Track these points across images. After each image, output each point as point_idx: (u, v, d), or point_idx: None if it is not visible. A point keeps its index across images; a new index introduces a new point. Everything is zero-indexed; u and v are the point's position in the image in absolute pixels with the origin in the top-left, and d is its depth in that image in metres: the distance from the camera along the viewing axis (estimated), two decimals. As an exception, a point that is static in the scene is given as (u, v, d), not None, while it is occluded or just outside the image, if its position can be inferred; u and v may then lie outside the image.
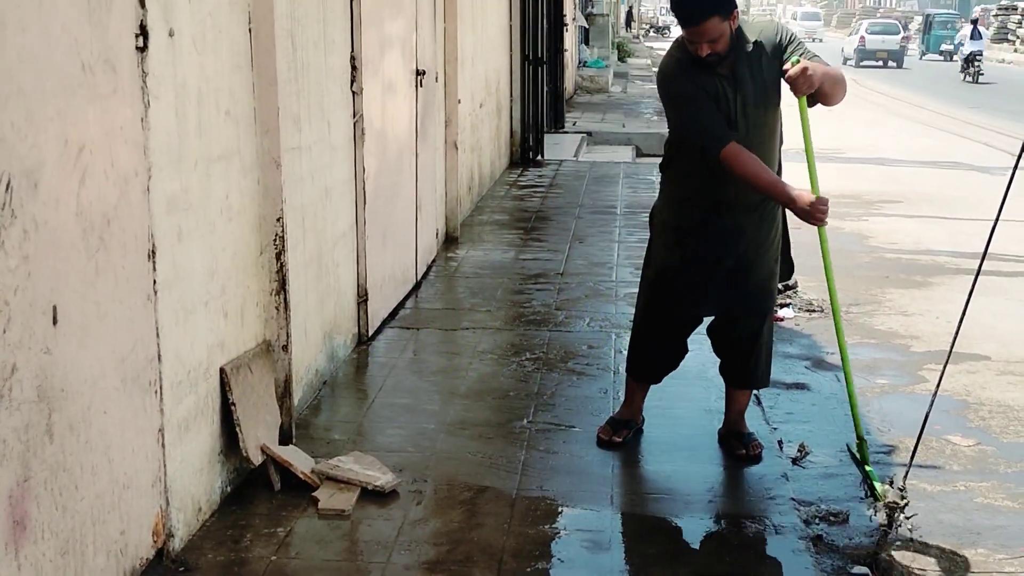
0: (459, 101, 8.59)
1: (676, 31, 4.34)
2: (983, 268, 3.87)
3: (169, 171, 3.42)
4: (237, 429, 3.93)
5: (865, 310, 7.01)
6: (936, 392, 3.89)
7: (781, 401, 5.29)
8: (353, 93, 5.51)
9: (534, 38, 13.22)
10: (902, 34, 42.39)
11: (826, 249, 4.13)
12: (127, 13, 3.11)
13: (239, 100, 3.99)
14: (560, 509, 4.02)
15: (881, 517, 3.91)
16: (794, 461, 4.58)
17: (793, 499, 4.16)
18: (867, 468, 4.14)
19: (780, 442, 4.72)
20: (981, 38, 33.04)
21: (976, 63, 31.72)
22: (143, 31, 3.21)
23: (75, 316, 2.85)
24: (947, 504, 4.28)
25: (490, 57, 10.93)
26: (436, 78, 7.74)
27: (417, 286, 7.06)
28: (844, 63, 40.18)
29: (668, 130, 4.45)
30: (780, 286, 7.00)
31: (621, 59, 33.35)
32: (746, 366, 4.48)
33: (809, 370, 5.80)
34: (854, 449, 4.26)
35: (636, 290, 4.75)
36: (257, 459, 4.03)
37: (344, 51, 5.37)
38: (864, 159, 14.94)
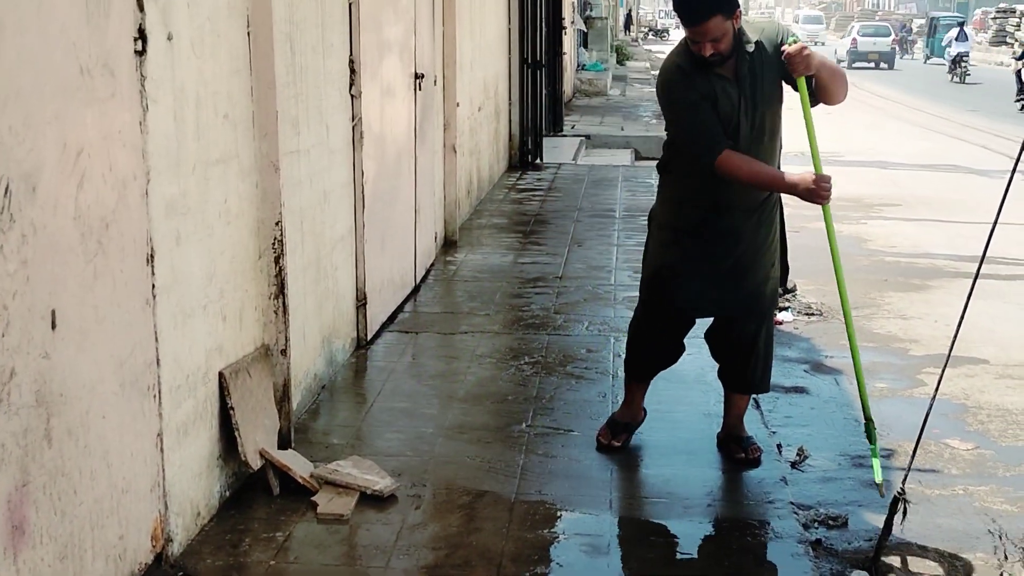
0: (458, 104, 8.59)
1: (675, 34, 4.33)
2: (982, 271, 3.87)
3: (167, 175, 3.42)
4: (236, 433, 3.93)
5: (864, 313, 7.00)
6: (935, 396, 3.88)
7: (780, 405, 5.28)
8: (352, 97, 5.51)
9: (532, 41, 13.22)
10: (893, 36, 43.33)
11: (831, 226, 4.16)
12: (125, 17, 3.11)
13: (237, 104, 3.99)
14: (559, 513, 4.02)
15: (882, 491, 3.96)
16: (793, 465, 4.58)
17: (792, 503, 4.15)
18: (872, 446, 4.15)
19: (779, 446, 4.72)
20: (967, 40, 34.25)
21: (963, 64, 32.95)
22: (141, 35, 3.21)
23: (74, 320, 2.85)
24: (946, 508, 4.27)
25: (489, 60, 10.94)
26: (435, 81, 7.74)
27: (416, 290, 7.05)
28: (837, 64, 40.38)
29: (667, 132, 4.45)
30: (780, 289, 7.03)
31: (620, 62, 33.37)
32: (744, 370, 4.48)
33: (808, 374, 5.80)
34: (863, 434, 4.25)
35: (635, 294, 4.75)
36: (256, 463, 4.03)
37: (343, 55, 5.37)
38: (863, 162, 14.94)
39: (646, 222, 4.64)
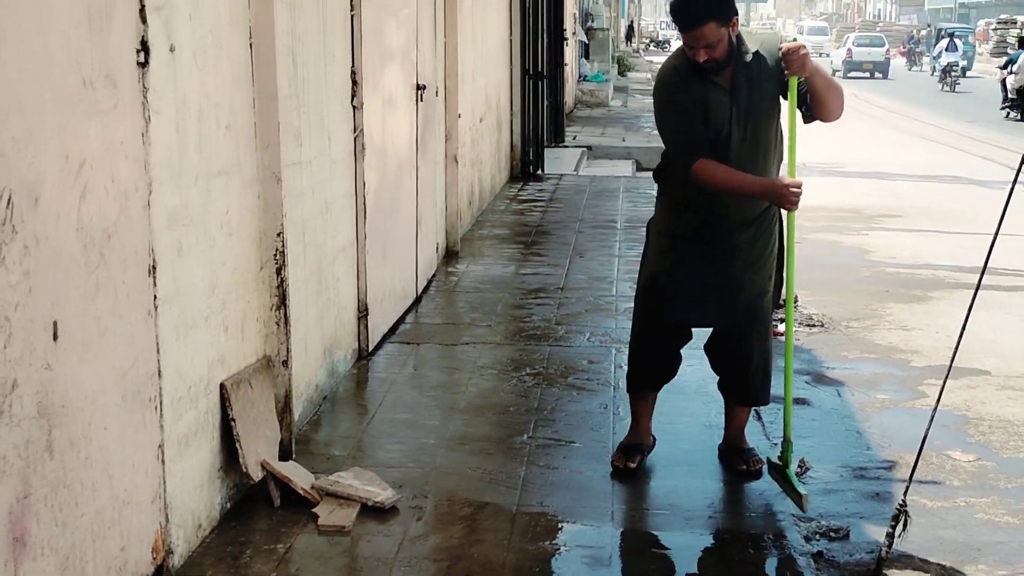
0: (459, 115, 8.61)
1: (677, 45, 4.33)
2: (983, 282, 3.87)
3: (169, 186, 3.42)
4: (237, 445, 3.93)
5: (865, 324, 7.00)
6: (936, 407, 3.88)
7: (781, 416, 5.26)
8: (353, 108, 5.52)
9: (534, 52, 13.24)
10: (887, 47, 44.65)
11: (791, 231, 4.14)
12: (128, 28, 3.12)
13: (239, 115, 3.99)
14: (560, 525, 4.02)
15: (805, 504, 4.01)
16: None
17: (793, 515, 4.15)
18: (787, 471, 4.18)
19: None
20: (957, 50, 35.56)
21: (953, 73, 34.40)
22: (144, 46, 3.22)
23: (76, 332, 2.85)
24: (947, 520, 4.26)
25: (490, 71, 10.95)
26: (436, 92, 7.75)
27: (417, 301, 7.05)
28: (833, 74, 41.03)
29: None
30: (781, 300, 7.03)
31: (621, 73, 33.40)
32: (743, 383, 4.48)
33: (809, 385, 5.80)
34: (775, 458, 4.26)
35: (637, 303, 4.74)
36: (257, 475, 4.02)
37: (344, 66, 5.38)
38: (864, 173, 14.95)
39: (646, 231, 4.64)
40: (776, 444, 4.87)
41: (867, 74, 42.42)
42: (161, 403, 3.40)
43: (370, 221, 5.79)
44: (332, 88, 5.17)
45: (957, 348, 3.88)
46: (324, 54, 5.02)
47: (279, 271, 4.27)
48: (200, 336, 3.70)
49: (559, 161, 14.30)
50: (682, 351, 4.55)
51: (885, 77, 42.22)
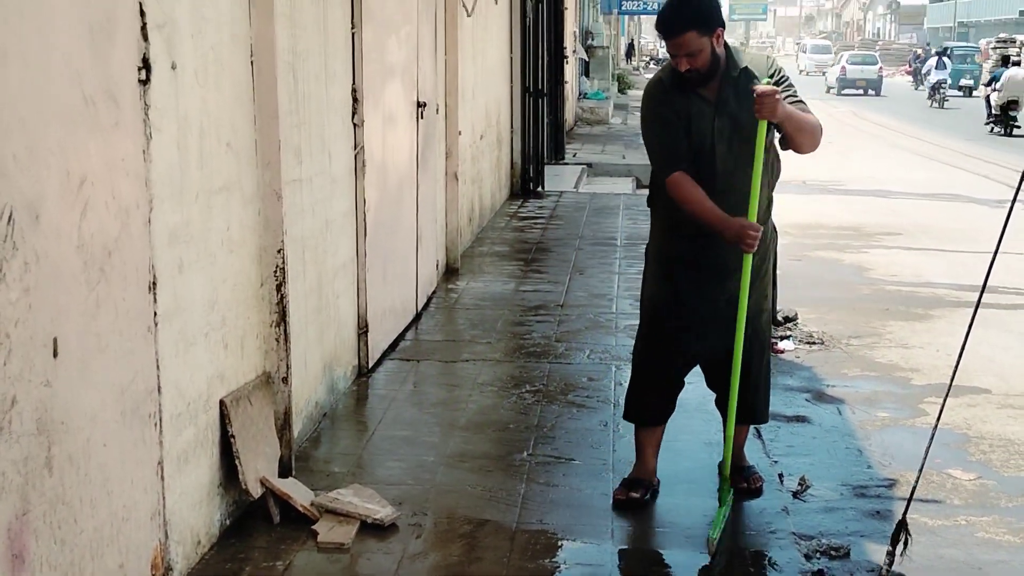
0: (460, 133, 8.63)
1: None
2: (983, 301, 3.87)
3: (170, 203, 3.43)
4: (236, 461, 3.92)
5: (866, 342, 7.00)
6: (937, 425, 3.87)
7: (782, 434, 5.27)
8: (354, 125, 5.54)
9: (534, 70, 13.29)
10: (880, 65, 46.39)
11: (746, 270, 4.10)
12: (130, 46, 3.13)
13: (240, 132, 4.00)
14: (560, 543, 4.01)
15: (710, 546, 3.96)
16: (795, 495, 4.56)
17: (794, 533, 4.14)
18: (721, 508, 4.19)
19: (781, 475, 4.70)
20: (946, 68, 36.71)
21: (941, 91, 35.56)
22: (146, 64, 3.23)
23: (75, 348, 2.85)
24: (948, 539, 4.25)
25: (491, 89, 10.98)
26: (437, 110, 7.77)
27: (417, 317, 7.06)
28: (827, 91, 45.12)
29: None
30: (781, 318, 7.03)
31: (621, 91, 33.49)
32: (742, 401, 4.47)
33: (810, 403, 5.79)
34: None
35: (637, 322, 4.73)
36: (256, 492, 4.02)
37: (345, 83, 5.40)
38: (863, 191, 14.96)
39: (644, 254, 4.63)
40: (777, 461, 4.88)
41: (860, 91, 44.06)
42: (160, 419, 3.39)
43: (370, 238, 5.80)
44: (333, 105, 5.18)
45: (957, 366, 3.87)
46: (325, 72, 5.03)
47: (279, 288, 4.27)
48: (200, 352, 3.70)
49: (559, 178, 14.33)
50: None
51: (878, 94, 43.88)
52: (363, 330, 5.80)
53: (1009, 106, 24.60)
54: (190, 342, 3.61)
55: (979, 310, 3.82)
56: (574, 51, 21.79)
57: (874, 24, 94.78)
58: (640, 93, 5.61)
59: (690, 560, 3.92)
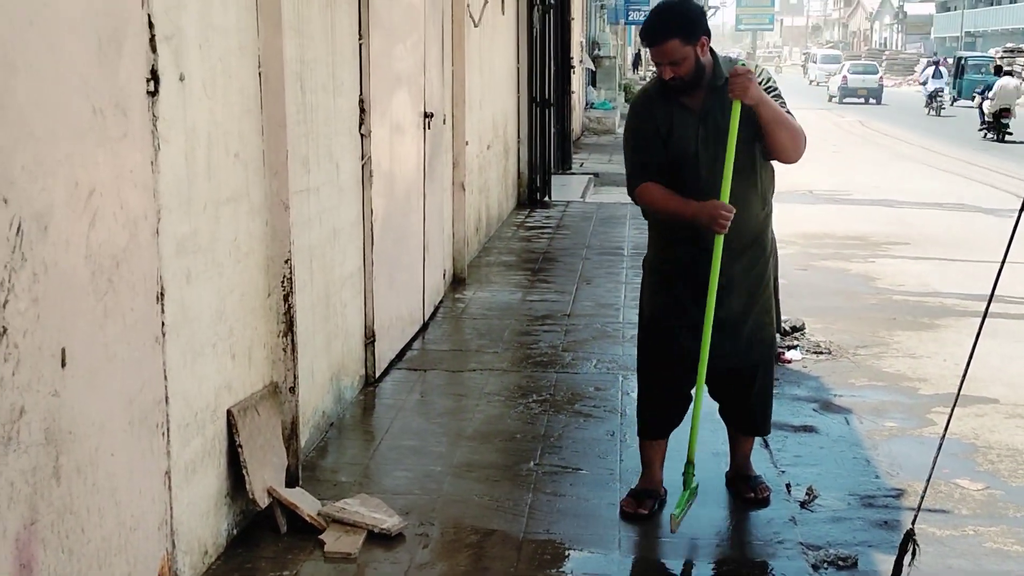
0: (467, 143, 8.64)
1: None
2: (991, 310, 3.86)
3: (178, 214, 3.44)
4: (244, 471, 3.93)
5: (873, 352, 6.99)
6: (944, 435, 3.86)
7: (789, 444, 5.26)
8: (361, 135, 5.55)
9: (541, 80, 13.30)
10: (880, 74, 47.95)
11: (717, 254, 4.07)
12: (138, 58, 3.14)
13: (248, 143, 4.01)
14: (567, 553, 4.01)
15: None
16: (802, 505, 4.55)
17: (801, 543, 4.13)
18: (685, 492, 4.24)
19: (788, 485, 4.70)
20: (942, 77, 37.54)
21: (938, 99, 36.56)
22: (154, 75, 3.24)
23: (83, 358, 2.86)
24: (956, 549, 4.24)
25: (498, 99, 11.00)
26: (444, 120, 7.78)
27: (424, 327, 7.06)
28: (830, 100, 46.15)
29: None
30: (788, 327, 7.03)
31: (628, 101, 33.49)
32: (745, 413, 4.46)
33: (817, 412, 5.78)
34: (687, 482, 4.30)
35: (643, 332, 4.73)
36: (264, 501, 4.02)
37: (353, 94, 5.41)
38: (871, 200, 14.94)
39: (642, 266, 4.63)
40: (784, 471, 4.87)
41: (861, 100, 45.12)
42: (168, 429, 3.40)
43: (377, 248, 5.81)
44: (340, 116, 5.20)
45: (965, 376, 3.86)
46: (332, 82, 5.04)
47: (286, 298, 4.28)
48: (207, 363, 3.71)
49: (566, 188, 14.34)
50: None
51: (879, 102, 44.85)
52: (370, 340, 5.80)
53: (1001, 114, 25.64)
54: (197, 352, 3.62)
55: (987, 319, 3.81)
56: (581, 61, 21.82)
57: (881, 34, 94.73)
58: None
59: (697, 570, 3.92)
